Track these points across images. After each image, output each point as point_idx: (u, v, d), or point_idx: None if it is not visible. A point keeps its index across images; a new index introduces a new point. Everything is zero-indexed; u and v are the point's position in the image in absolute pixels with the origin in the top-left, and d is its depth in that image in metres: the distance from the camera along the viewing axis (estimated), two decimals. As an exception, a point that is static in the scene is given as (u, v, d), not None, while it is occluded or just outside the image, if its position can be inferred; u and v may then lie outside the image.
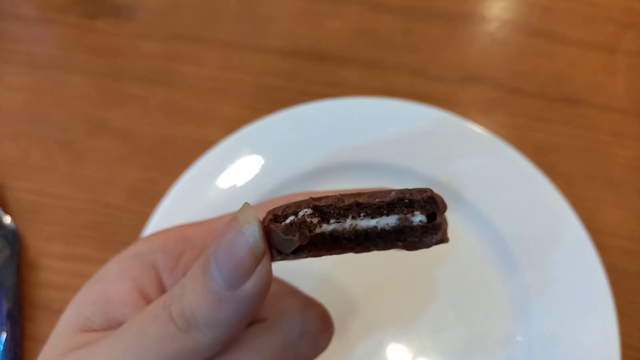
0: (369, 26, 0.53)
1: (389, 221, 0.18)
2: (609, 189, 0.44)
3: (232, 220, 0.17)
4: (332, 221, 0.18)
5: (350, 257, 0.21)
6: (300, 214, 0.18)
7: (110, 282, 0.22)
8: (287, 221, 0.18)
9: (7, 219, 0.43)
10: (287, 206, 0.18)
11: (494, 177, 0.42)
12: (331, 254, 0.18)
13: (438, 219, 0.18)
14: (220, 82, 0.50)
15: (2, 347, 0.37)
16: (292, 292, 0.23)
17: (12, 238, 0.42)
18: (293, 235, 0.17)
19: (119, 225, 0.44)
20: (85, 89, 0.50)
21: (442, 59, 0.51)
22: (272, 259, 0.18)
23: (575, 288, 0.37)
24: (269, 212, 0.18)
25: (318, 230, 0.18)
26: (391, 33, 0.53)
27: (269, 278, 0.18)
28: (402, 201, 0.18)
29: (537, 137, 0.47)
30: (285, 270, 0.25)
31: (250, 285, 0.18)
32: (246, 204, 0.18)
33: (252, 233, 0.17)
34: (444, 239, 0.18)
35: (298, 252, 0.18)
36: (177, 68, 0.51)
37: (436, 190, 0.19)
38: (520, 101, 0.49)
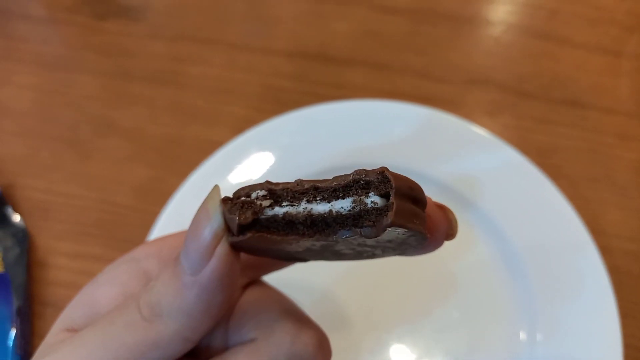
0: (374, 28, 0.53)
1: (344, 204, 0.17)
2: (613, 191, 0.44)
3: (201, 204, 0.18)
4: (284, 204, 0.17)
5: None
6: (253, 195, 0.18)
7: (100, 286, 0.22)
8: (238, 201, 0.17)
9: (17, 218, 0.44)
10: (242, 188, 0.18)
11: (498, 179, 0.42)
12: (285, 239, 0.17)
13: (391, 199, 0.16)
14: (227, 82, 0.51)
15: (12, 343, 0.37)
16: (285, 311, 0.22)
17: (22, 236, 0.43)
18: (234, 214, 0.17)
19: (127, 224, 0.44)
20: (93, 88, 0.51)
21: (447, 61, 0.51)
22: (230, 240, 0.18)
23: (578, 289, 0.38)
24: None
25: (270, 212, 0.17)
26: (397, 35, 0.53)
27: (229, 261, 0.18)
28: (358, 183, 0.17)
29: (541, 139, 0.47)
30: (292, 272, 0.25)
31: (210, 267, 0.17)
32: (215, 187, 0.18)
33: (215, 216, 0.17)
34: (395, 221, 0.16)
35: (244, 232, 0.17)
36: (185, 69, 0.52)
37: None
38: (525, 103, 0.49)
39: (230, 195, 0.18)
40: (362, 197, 0.17)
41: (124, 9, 0.55)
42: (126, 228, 0.44)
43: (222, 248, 0.17)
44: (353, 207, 0.17)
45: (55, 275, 0.42)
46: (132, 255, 0.23)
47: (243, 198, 0.18)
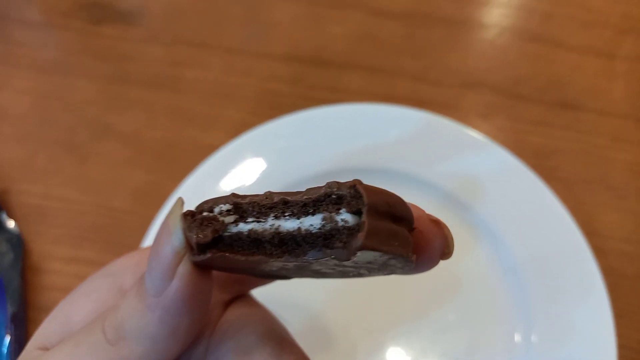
0: (370, 32, 0.54)
1: (313, 222, 0.15)
2: (608, 193, 0.44)
3: (163, 221, 0.17)
4: (250, 220, 0.16)
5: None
6: (216, 210, 0.16)
7: (75, 302, 0.22)
8: (198, 217, 0.16)
9: (11, 223, 0.44)
10: (206, 202, 0.16)
11: (493, 182, 0.42)
12: (252, 260, 0.16)
13: (363, 217, 0.14)
14: (224, 87, 0.51)
15: (6, 350, 0.37)
16: (266, 334, 0.20)
17: (17, 242, 0.43)
18: (192, 232, 0.16)
19: (124, 228, 0.44)
20: (90, 93, 0.51)
21: (442, 64, 0.52)
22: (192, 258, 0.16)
23: (573, 290, 0.38)
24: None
25: (234, 229, 0.16)
26: (392, 39, 0.53)
27: (193, 281, 0.16)
28: (330, 197, 0.15)
29: (536, 141, 0.47)
30: (283, 283, 0.24)
31: (172, 288, 0.16)
32: (178, 200, 0.17)
33: (176, 232, 0.16)
34: (366, 244, 0.14)
35: (205, 251, 0.16)
36: (182, 73, 0.52)
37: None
38: (520, 106, 0.49)
39: (194, 209, 0.17)
40: (332, 214, 0.15)
41: (120, 14, 0.55)
42: (123, 232, 0.44)
43: (184, 267, 0.16)
44: (323, 225, 0.15)
45: (51, 280, 0.42)
46: (108, 269, 0.22)
47: (205, 213, 0.16)
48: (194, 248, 0.16)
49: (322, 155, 0.44)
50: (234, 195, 0.16)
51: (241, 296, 0.23)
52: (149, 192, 0.46)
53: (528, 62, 0.52)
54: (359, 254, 0.14)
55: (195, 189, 0.42)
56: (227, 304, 0.22)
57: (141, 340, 0.17)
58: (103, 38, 0.54)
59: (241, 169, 0.43)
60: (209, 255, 0.16)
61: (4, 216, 0.44)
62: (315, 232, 0.15)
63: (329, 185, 0.15)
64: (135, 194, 0.46)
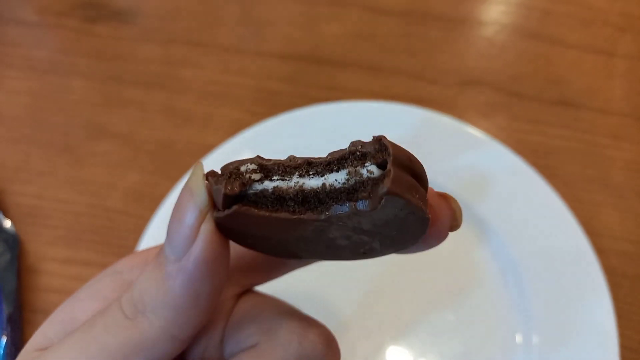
0: (367, 30, 0.53)
1: (338, 177, 0.16)
2: (608, 192, 0.44)
3: (184, 185, 0.16)
4: (275, 178, 0.16)
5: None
6: (242, 168, 0.16)
7: (81, 302, 0.21)
8: (226, 172, 0.16)
9: (7, 223, 0.43)
10: (231, 162, 0.17)
11: (493, 180, 0.42)
12: (275, 217, 0.16)
13: (388, 166, 0.15)
14: (220, 86, 0.51)
15: (2, 351, 0.37)
16: (288, 312, 0.20)
17: (13, 242, 0.42)
18: (220, 184, 0.16)
19: (119, 229, 0.44)
20: (85, 93, 0.51)
21: (441, 62, 0.51)
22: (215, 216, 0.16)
23: (574, 290, 0.38)
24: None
25: (259, 187, 0.16)
26: (390, 37, 0.53)
27: (216, 241, 0.16)
28: (354, 154, 0.16)
29: (536, 140, 0.47)
30: (285, 277, 0.25)
31: (195, 249, 0.16)
32: (198, 163, 0.17)
33: (199, 192, 0.16)
34: (391, 189, 0.14)
35: (230, 206, 0.16)
36: (177, 72, 0.51)
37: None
38: (519, 104, 0.49)
39: (218, 171, 0.17)
40: (357, 168, 0.15)
41: (115, 13, 0.55)
42: (119, 233, 0.44)
43: (208, 226, 0.16)
44: (347, 180, 0.15)
45: (47, 281, 0.42)
46: (115, 267, 0.22)
47: (231, 170, 0.16)
48: (219, 204, 0.16)
49: (320, 153, 0.43)
50: (259, 157, 0.17)
51: (248, 291, 0.22)
52: (144, 192, 0.45)
53: (527, 60, 0.51)
54: (383, 202, 0.14)
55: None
56: (237, 297, 0.22)
57: (162, 311, 0.17)
58: (98, 37, 0.54)
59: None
60: (235, 208, 0.16)
61: (0, 216, 0.43)
62: (340, 187, 0.15)
63: (353, 143, 0.16)
64: (130, 195, 0.45)
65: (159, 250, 0.17)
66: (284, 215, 0.16)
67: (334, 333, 0.21)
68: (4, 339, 0.37)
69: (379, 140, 0.16)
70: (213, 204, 0.16)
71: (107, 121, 0.49)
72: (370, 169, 0.15)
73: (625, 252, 0.42)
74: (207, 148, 0.44)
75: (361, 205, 0.15)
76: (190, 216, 0.16)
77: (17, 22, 0.55)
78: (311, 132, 0.44)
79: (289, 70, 0.51)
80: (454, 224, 0.19)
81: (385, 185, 0.14)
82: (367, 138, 0.17)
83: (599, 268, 0.38)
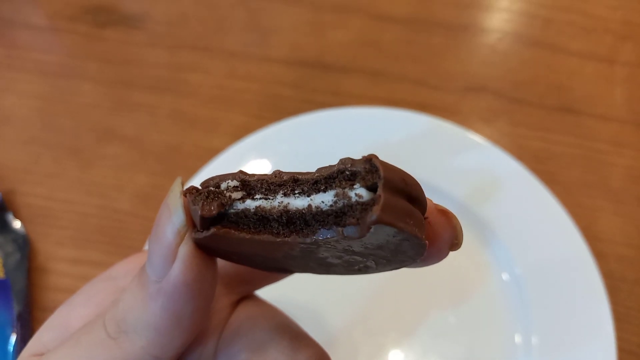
0: (372, 37, 0.54)
1: (324, 198, 0.14)
2: (608, 197, 0.45)
3: (163, 202, 0.16)
4: (258, 197, 0.15)
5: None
6: (223, 185, 0.15)
7: (75, 308, 0.21)
8: (204, 191, 0.15)
9: (17, 224, 0.44)
10: (212, 177, 0.16)
11: (494, 185, 0.42)
12: (257, 239, 0.15)
13: (378, 191, 0.13)
14: (227, 90, 0.51)
15: (12, 348, 0.38)
16: (280, 328, 0.19)
17: (23, 242, 0.43)
18: (197, 205, 0.15)
19: (127, 230, 0.45)
20: (95, 96, 0.52)
21: (443, 69, 0.52)
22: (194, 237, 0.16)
23: (573, 293, 0.38)
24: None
25: (240, 206, 0.15)
26: (394, 43, 0.54)
27: (196, 262, 0.16)
28: (343, 174, 0.14)
29: (537, 146, 0.47)
30: (286, 285, 0.24)
31: (175, 270, 0.15)
32: (177, 179, 0.16)
33: (177, 211, 0.15)
34: (381, 217, 0.13)
35: (209, 227, 0.15)
36: (185, 77, 0.52)
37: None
38: (521, 111, 0.49)
39: (199, 186, 0.16)
40: (345, 190, 0.14)
41: (125, 18, 0.56)
42: (126, 234, 0.44)
43: (186, 248, 0.15)
44: (335, 202, 0.14)
45: (56, 280, 0.43)
46: (109, 273, 0.22)
47: (211, 188, 0.15)
48: (198, 223, 0.15)
49: (324, 158, 0.44)
50: (241, 172, 0.15)
51: (247, 296, 0.22)
52: (152, 194, 0.46)
53: (529, 67, 0.52)
54: (372, 229, 0.13)
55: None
56: (234, 305, 0.22)
57: (144, 332, 0.16)
58: (107, 42, 0.55)
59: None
60: (213, 230, 0.15)
61: (11, 217, 0.44)
62: (327, 210, 0.14)
63: (342, 161, 0.14)
64: (138, 197, 0.46)
65: (141, 268, 0.17)
66: (266, 237, 0.15)
67: (335, 335, 0.20)
68: (14, 337, 0.38)
69: (370, 160, 0.14)
70: (192, 223, 0.15)
71: (115, 124, 0.50)
72: (358, 193, 0.14)
73: (625, 257, 0.42)
74: (214, 151, 0.45)
75: (349, 231, 0.14)
76: (168, 236, 0.15)
77: (28, 26, 0.56)
78: (316, 136, 0.45)
79: (295, 75, 0.52)
80: (455, 243, 0.18)
81: (374, 213, 0.13)
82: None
83: (597, 272, 0.38)
